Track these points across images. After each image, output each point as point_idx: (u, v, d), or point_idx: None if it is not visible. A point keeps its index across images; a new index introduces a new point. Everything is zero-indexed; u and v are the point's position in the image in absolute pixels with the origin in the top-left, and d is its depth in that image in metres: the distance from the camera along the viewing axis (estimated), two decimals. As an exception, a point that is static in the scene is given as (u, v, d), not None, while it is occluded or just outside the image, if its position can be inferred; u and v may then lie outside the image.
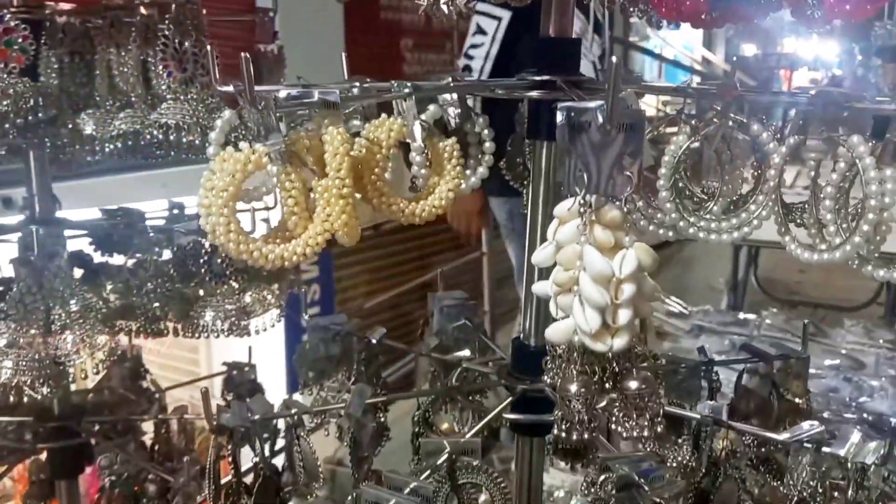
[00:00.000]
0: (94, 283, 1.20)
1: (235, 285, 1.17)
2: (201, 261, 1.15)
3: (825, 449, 0.80)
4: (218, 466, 0.84)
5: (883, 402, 2.48)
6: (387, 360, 1.25)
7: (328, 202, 0.68)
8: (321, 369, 1.12)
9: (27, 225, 1.14)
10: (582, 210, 0.56)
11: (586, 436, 0.55)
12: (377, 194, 0.75)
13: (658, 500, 0.70)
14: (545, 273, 0.63)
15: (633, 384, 0.57)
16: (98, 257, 1.28)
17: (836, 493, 0.81)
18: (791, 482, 0.79)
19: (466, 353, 1.05)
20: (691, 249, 5.46)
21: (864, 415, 2.35)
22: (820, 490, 0.80)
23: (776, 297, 4.41)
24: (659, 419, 0.57)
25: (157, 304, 1.15)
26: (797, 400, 1.03)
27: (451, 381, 1.00)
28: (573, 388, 0.56)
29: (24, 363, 0.93)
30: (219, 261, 1.15)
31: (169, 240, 1.22)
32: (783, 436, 0.82)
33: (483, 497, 0.79)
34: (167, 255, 1.22)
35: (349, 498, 0.73)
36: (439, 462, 0.77)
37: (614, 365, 0.58)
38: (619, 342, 0.55)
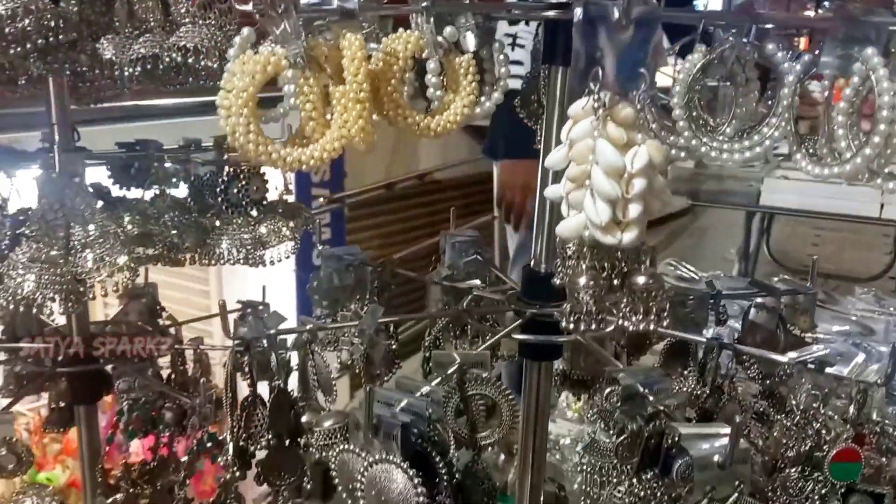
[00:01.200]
0: (112, 214, 1.22)
1: (251, 216, 1.19)
2: (218, 190, 1.17)
3: (828, 370, 0.81)
4: (235, 378, 0.86)
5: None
6: (399, 297, 1.27)
7: (345, 108, 0.69)
8: (335, 299, 1.15)
9: (47, 151, 1.16)
10: (596, 107, 0.57)
11: (594, 327, 0.56)
12: (393, 106, 0.76)
13: (661, 408, 0.72)
14: (558, 178, 0.64)
15: (641, 279, 0.58)
16: (116, 191, 1.30)
17: (836, 417, 0.82)
18: (793, 402, 0.81)
19: (477, 282, 1.06)
20: (704, 220, 5.44)
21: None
22: (822, 412, 0.82)
23: (788, 267, 4.39)
24: (665, 314, 0.58)
25: (174, 233, 1.17)
26: (804, 335, 1.04)
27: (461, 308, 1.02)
28: (582, 280, 0.58)
29: (45, 278, 0.96)
30: (235, 191, 1.17)
31: (186, 171, 1.23)
32: (786, 357, 0.83)
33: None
34: (184, 187, 1.25)
35: (359, 399, 0.75)
36: (449, 372, 0.79)
37: (623, 262, 0.59)
38: (629, 236, 0.56)
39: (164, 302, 1.56)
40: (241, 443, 0.89)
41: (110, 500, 1.21)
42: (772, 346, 1.04)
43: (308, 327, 0.89)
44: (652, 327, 0.58)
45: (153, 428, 1.30)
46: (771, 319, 1.03)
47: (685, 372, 1.03)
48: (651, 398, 0.73)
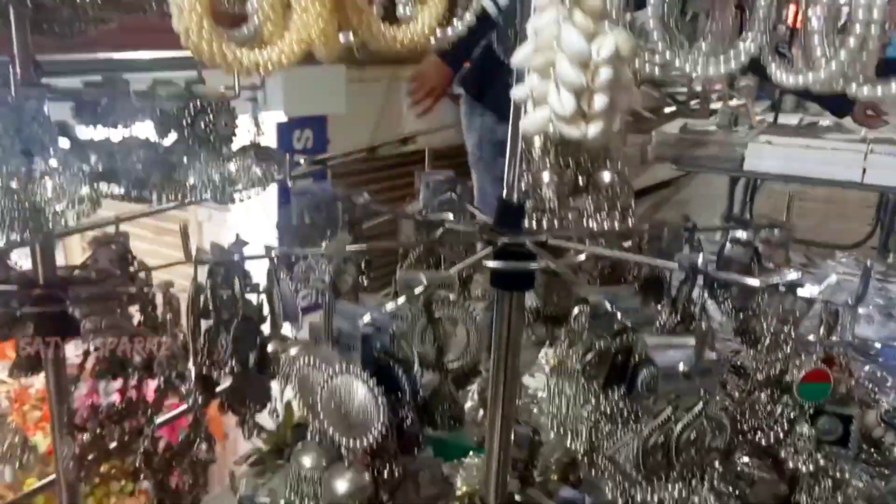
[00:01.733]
0: (77, 152, 1.19)
1: (220, 153, 1.16)
2: (184, 125, 1.14)
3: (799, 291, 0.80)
4: (197, 304, 0.84)
5: (869, 327, 2.50)
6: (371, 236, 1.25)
7: (305, 9, 0.66)
8: (305, 235, 1.12)
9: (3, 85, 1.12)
10: (561, -5, 0.55)
11: (556, 224, 0.54)
12: (357, 13, 0.73)
13: (629, 324, 0.70)
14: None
15: (606, 176, 0.56)
16: (83, 133, 1.27)
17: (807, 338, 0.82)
18: (764, 324, 0.80)
19: (449, 215, 1.04)
20: (687, 192, 5.45)
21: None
22: (792, 336, 0.81)
23: (770, 237, 4.40)
24: (630, 213, 0.57)
25: (139, 168, 1.14)
26: (778, 269, 1.03)
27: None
28: (545, 176, 0.56)
29: (3, 204, 0.93)
30: (202, 125, 1.14)
31: (153, 108, 1.20)
32: (758, 280, 0.82)
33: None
34: (151, 124, 1.21)
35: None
36: (416, 293, 0.77)
37: (588, 161, 0.57)
38: (594, 129, 0.54)
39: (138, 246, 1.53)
40: (205, 370, 0.87)
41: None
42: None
43: (272, 252, 0.87)
44: (617, 225, 0.56)
45: (122, 372, 1.28)
46: (746, 254, 1.02)
47: (659, 307, 1.02)
48: (619, 315, 0.71)
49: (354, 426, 0.66)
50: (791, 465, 0.77)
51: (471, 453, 1.43)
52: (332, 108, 3.32)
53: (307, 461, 0.69)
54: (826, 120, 3.48)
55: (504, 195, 0.96)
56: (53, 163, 1.02)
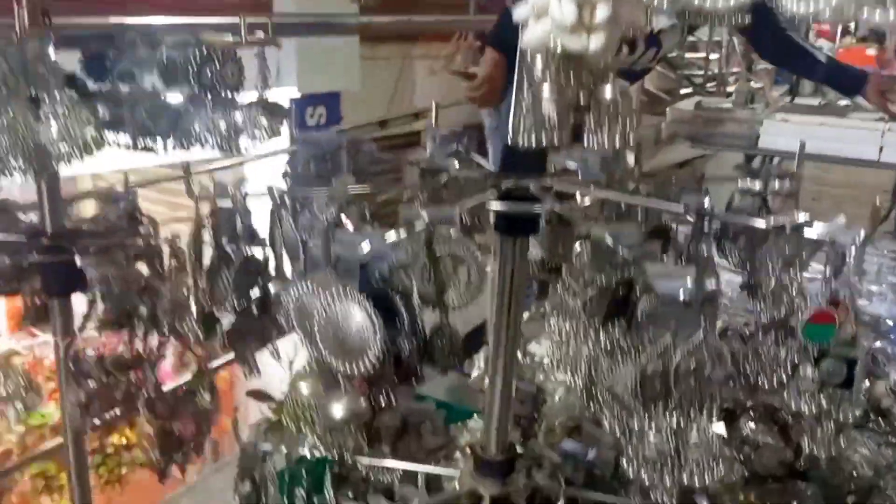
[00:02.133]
0: (86, 102, 1.19)
1: (227, 102, 1.16)
2: (191, 73, 1.14)
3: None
4: (199, 237, 0.84)
5: (881, 305, 2.47)
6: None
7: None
8: (311, 183, 1.12)
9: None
10: None
11: (556, 140, 0.54)
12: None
13: (628, 259, 0.69)
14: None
15: (608, 92, 0.55)
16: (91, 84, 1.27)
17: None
18: (770, 265, 0.79)
19: (455, 162, 1.03)
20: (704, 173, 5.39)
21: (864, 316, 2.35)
22: (798, 279, 0.80)
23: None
24: (631, 132, 0.56)
25: (145, 115, 1.14)
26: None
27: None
28: (546, 90, 0.55)
29: (8, 142, 0.93)
30: (209, 74, 1.14)
31: (160, 59, 1.20)
32: (764, 221, 0.80)
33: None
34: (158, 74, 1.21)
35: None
36: (418, 229, 0.77)
37: (590, 77, 0.56)
38: (596, 41, 0.53)
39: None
40: (206, 307, 0.87)
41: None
42: (754, 231, 1.02)
43: (275, 191, 0.86)
44: (618, 144, 0.55)
45: (129, 323, 1.28)
46: (754, 204, 1.00)
47: (664, 256, 1.00)
48: (620, 251, 0.70)
49: (351, 352, 0.66)
50: (794, 406, 0.76)
51: (475, 416, 1.43)
52: (346, 84, 3.29)
53: (305, 388, 0.69)
54: (846, 100, 3.42)
55: (510, 138, 0.95)
56: (59, 104, 1.02)
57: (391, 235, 0.71)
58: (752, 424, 1.59)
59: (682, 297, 0.63)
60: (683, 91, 4.84)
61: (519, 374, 1.31)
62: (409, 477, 1.17)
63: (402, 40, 4.04)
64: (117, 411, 1.25)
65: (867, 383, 1.33)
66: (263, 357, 1.01)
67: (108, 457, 4.93)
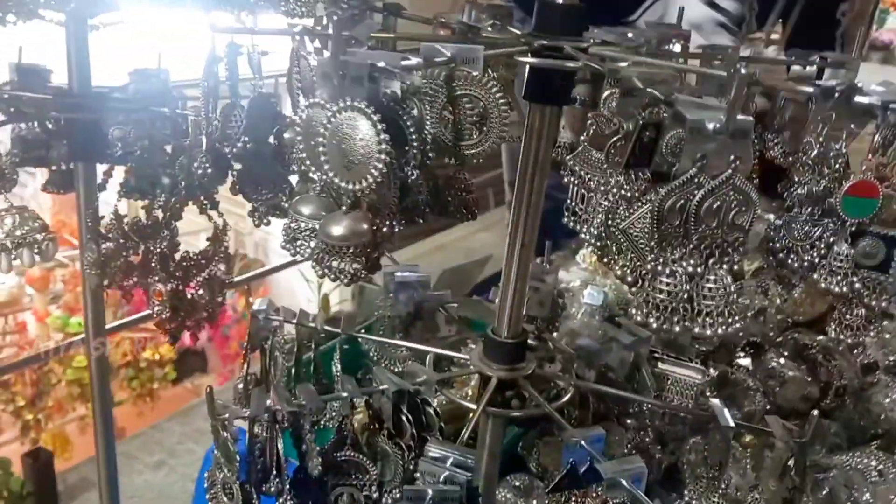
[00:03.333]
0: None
1: None
2: None
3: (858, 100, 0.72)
4: (213, 68, 0.81)
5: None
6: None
7: None
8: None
9: None
10: None
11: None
12: None
13: (658, 97, 0.64)
14: None
15: None
16: None
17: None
18: (815, 132, 0.73)
19: (489, 28, 0.98)
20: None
21: None
22: (843, 151, 0.74)
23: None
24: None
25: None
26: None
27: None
28: None
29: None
30: None
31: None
32: (811, 88, 0.74)
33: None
34: None
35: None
36: (437, 61, 0.72)
37: None
38: None
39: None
40: (217, 143, 0.85)
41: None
42: (802, 122, 0.95)
43: (295, 29, 0.83)
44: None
45: (151, 190, 1.28)
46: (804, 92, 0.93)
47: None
48: (649, 91, 0.65)
49: (355, 170, 0.63)
50: (824, 285, 0.70)
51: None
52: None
53: (305, 209, 0.67)
54: None
55: None
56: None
57: (410, 63, 0.68)
58: (780, 360, 1.54)
59: (711, 126, 0.58)
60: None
61: (538, 276, 1.28)
62: (419, 359, 1.16)
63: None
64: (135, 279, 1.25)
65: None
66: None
67: (141, 371, 5.11)
